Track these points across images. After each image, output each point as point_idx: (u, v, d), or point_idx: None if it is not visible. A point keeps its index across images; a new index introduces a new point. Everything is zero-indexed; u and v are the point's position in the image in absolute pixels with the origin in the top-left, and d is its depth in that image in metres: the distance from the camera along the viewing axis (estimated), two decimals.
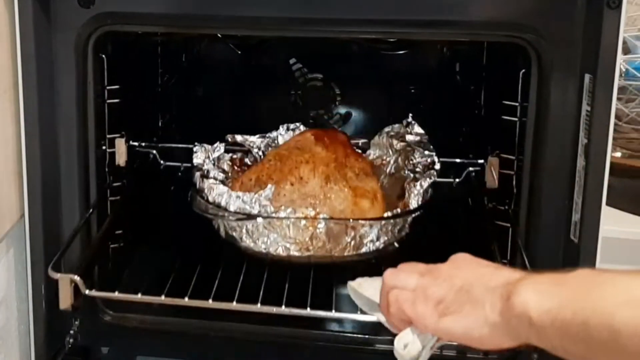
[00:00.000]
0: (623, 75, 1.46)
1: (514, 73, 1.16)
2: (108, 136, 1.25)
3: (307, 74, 1.55)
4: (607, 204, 1.05)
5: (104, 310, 1.17)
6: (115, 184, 1.27)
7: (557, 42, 1.03)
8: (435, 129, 1.55)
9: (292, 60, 1.54)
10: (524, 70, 1.12)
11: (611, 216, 1.23)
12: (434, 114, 1.56)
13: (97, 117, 1.18)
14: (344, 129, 1.57)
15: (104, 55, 1.19)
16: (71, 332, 1.14)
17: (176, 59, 1.58)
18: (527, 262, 1.09)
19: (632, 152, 1.45)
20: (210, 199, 1.11)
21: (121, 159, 1.29)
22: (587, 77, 1.01)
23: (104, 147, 1.23)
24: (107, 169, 1.25)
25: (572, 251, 1.07)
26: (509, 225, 1.17)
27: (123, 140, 1.29)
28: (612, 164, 1.05)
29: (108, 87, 1.22)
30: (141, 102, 1.45)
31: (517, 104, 1.16)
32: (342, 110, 1.57)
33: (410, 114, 1.22)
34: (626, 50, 1.54)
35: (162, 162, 1.40)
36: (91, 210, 1.18)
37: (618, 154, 1.43)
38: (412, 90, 1.56)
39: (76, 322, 1.08)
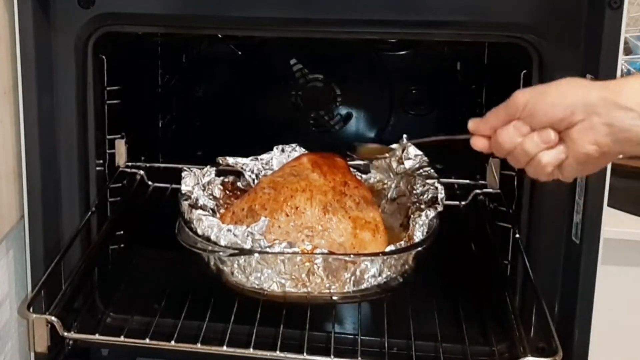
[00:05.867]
0: (624, 75, 1.46)
1: (515, 73, 1.16)
2: (108, 137, 1.25)
3: (307, 74, 1.54)
4: (609, 204, 1.05)
5: (104, 312, 1.17)
6: (114, 185, 1.27)
7: (558, 43, 1.03)
8: (436, 129, 1.56)
9: (292, 61, 1.54)
10: (525, 71, 1.12)
11: (613, 217, 1.23)
12: (434, 114, 1.56)
13: (97, 118, 1.18)
14: (345, 129, 1.57)
15: (103, 56, 1.19)
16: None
17: (176, 59, 1.58)
18: (527, 264, 1.09)
19: None
20: (200, 231, 1.03)
21: (121, 160, 1.29)
22: (588, 77, 1.01)
23: (103, 148, 1.23)
24: (106, 170, 1.25)
25: (574, 252, 1.07)
26: (510, 226, 1.17)
27: (123, 141, 1.29)
28: (613, 164, 1.05)
29: (108, 88, 1.22)
30: (141, 103, 1.44)
31: None
32: (343, 110, 1.56)
33: (405, 135, 1.19)
34: (627, 51, 1.54)
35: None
36: (91, 211, 1.18)
37: (619, 155, 1.42)
38: (413, 91, 1.55)
39: (75, 324, 1.07)
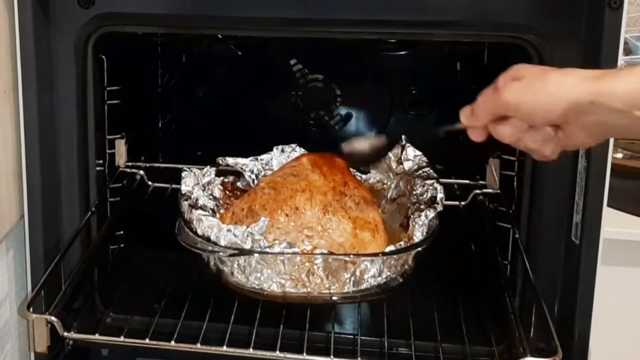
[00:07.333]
0: None
1: None
2: (108, 137, 1.25)
3: (307, 74, 1.54)
4: (609, 205, 1.05)
5: (104, 312, 1.17)
6: (114, 185, 1.27)
7: (558, 43, 1.03)
8: (436, 129, 1.56)
9: (292, 61, 1.54)
10: None
11: (613, 217, 1.23)
12: (434, 114, 1.56)
13: (97, 118, 1.18)
14: (345, 129, 1.57)
15: (103, 56, 1.19)
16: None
17: (176, 59, 1.58)
18: (527, 264, 1.09)
19: (634, 153, 1.44)
20: (200, 231, 1.03)
21: (121, 160, 1.29)
22: None
23: (103, 148, 1.23)
24: (106, 170, 1.25)
25: (573, 252, 1.07)
26: (509, 226, 1.17)
27: (123, 141, 1.29)
28: (613, 165, 1.04)
29: (108, 88, 1.22)
30: (141, 103, 1.44)
31: None
32: (343, 111, 1.56)
33: (403, 136, 1.19)
34: (627, 51, 1.54)
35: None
36: (91, 211, 1.18)
37: (619, 155, 1.42)
38: (413, 91, 1.55)
39: (75, 324, 1.07)
